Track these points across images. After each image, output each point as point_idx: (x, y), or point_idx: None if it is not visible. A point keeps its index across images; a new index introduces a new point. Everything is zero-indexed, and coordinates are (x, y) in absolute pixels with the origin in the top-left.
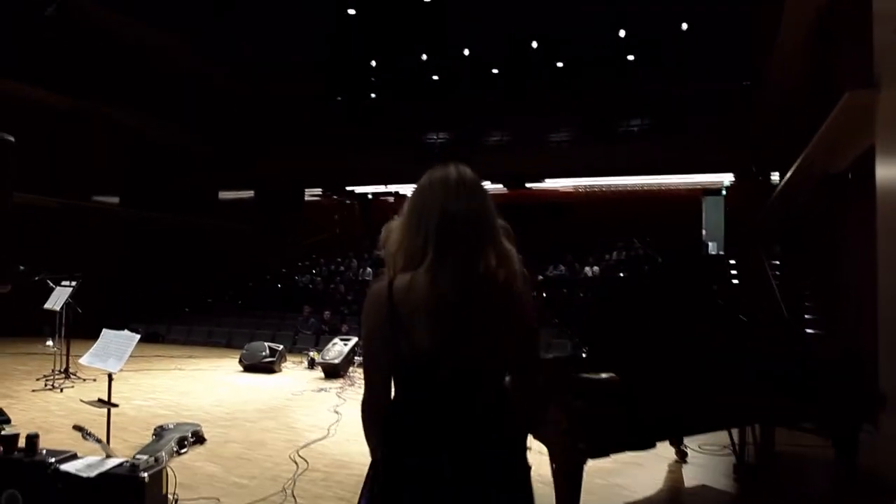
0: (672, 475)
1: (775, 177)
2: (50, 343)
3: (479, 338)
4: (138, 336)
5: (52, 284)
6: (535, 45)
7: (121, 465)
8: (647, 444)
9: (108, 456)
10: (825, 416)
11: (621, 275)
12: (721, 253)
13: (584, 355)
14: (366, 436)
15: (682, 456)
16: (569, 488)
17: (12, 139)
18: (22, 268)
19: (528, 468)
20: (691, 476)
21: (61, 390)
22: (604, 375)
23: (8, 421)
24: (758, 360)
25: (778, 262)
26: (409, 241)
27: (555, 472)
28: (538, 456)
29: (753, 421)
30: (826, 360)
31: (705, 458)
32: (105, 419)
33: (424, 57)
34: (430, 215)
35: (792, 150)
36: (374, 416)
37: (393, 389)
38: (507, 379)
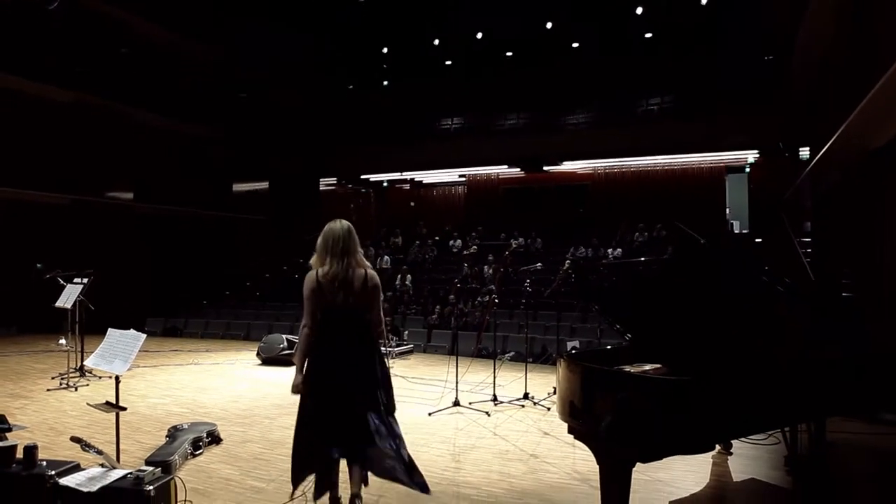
0: (718, 468)
1: (804, 153)
2: (62, 341)
3: (352, 292)
4: (144, 335)
5: (62, 282)
6: (549, 25)
7: (124, 477)
8: (706, 446)
9: (112, 467)
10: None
11: (665, 256)
12: (746, 231)
13: (616, 346)
14: (299, 343)
15: (727, 447)
16: (616, 493)
17: None
18: (39, 265)
19: (381, 353)
20: (739, 469)
21: (76, 389)
22: (648, 367)
23: (9, 429)
24: (822, 349)
25: (809, 241)
26: (321, 256)
27: (601, 476)
28: (575, 450)
29: (821, 414)
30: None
31: (752, 449)
32: (119, 419)
33: (436, 42)
34: (328, 245)
35: (824, 125)
36: (308, 334)
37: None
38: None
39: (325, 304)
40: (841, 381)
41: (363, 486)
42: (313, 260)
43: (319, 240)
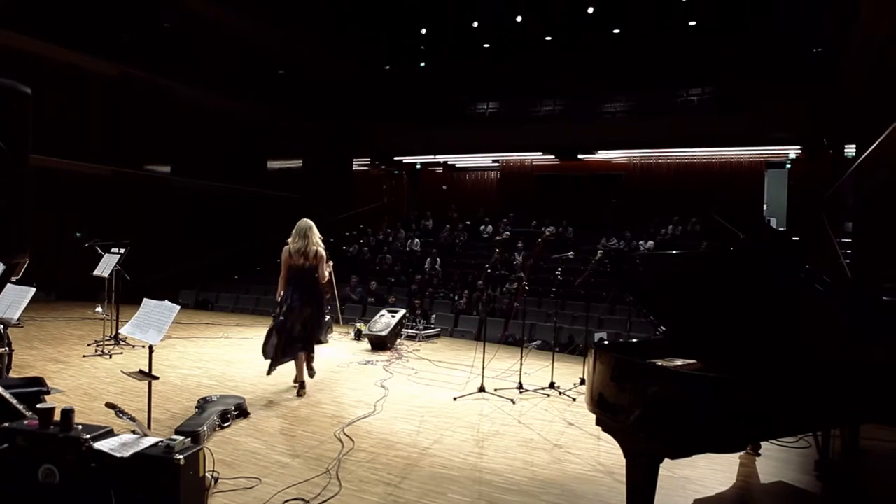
0: (745, 469)
1: (850, 150)
2: (99, 309)
3: (307, 259)
4: (178, 307)
5: (100, 251)
6: (591, 10)
7: (156, 445)
8: (737, 445)
9: (144, 435)
10: None
11: (702, 249)
12: (784, 229)
13: (647, 339)
14: (278, 288)
15: (755, 448)
16: (642, 488)
17: (28, 91)
18: (79, 234)
19: (324, 297)
20: (766, 471)
21: (110, 357)
22: (679, 362)
23: (47, 392)
24: (860, 352)
25: (849, 241)
26: (293, 237)
27: (627, 469)
28: (600, 443)
29: (857, 419)
30: None
31: (781, 451)
32: (152, 388)
33: (475, 24)
34: (297, 232)
35: (874, 121)
36: (282, 283)
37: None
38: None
39: (292, 265)
40: (880, 386)
41: (308, 378)
42: (291, 239)
43: (294, 230)
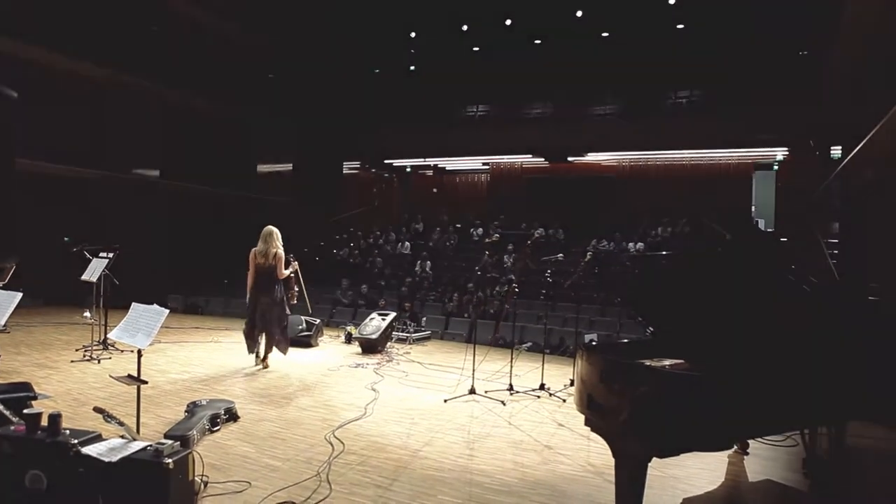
0: (733, 468)
1: (836, 151)
2: (87, 314)
3: (268, 259)
4: (167, 311)
5: (89, 256)
6: (579, 13)
7: (144, 449)
8: (724, 444)
9: (133, 439)
10: None
11: (689, 251)
12: (771, 230)
13: (636, 340)
14: (249, 284)
15: (743, 447)
16: (631, 488)
17: (15, 94)
18: (67, 239)
19: (281, 291)
20: (754, 470)
21: (99, 361)
22: (667, 362)
23: (34, 397)
24: (846, 351)
25: (836, 241)
26: (259, 241)
27: (616, 470)
28: (590, 443)
29: (842, 416)
30: None
31: (769, 450)
32: (140, 392)
33: (465, 27)
34: (261, 237)
35: (859, 123)
36: (251, 279)
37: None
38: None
39: (255, 264)
40: (865, 384)
41: (269, 354)
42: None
43: (259, 237)
